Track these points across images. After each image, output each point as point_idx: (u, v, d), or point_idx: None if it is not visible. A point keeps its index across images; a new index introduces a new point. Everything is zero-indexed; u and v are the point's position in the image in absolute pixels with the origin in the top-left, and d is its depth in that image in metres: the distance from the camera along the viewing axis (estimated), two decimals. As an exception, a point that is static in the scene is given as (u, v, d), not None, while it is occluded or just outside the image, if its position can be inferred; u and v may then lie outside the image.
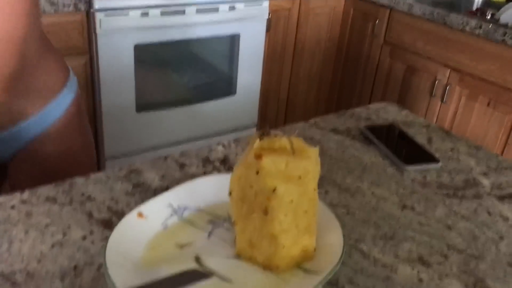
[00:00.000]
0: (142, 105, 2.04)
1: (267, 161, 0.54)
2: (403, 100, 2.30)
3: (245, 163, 0.56)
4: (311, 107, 2.68)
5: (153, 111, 2.08)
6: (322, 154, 0.86)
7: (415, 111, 2.22)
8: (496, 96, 1.92)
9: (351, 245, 0.65)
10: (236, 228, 0.59)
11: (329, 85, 2.68)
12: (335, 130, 0.95)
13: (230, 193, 0.59)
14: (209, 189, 0.69)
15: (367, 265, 0.61)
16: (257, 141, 0.57)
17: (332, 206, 0.72)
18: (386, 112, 1.05)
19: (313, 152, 0.58)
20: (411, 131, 0.97)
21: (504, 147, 1.94)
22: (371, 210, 0.72)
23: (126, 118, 2.01)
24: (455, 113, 2.09)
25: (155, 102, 2.11)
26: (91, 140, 0.97)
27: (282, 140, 0.57)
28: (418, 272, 0.61)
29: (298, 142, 0.57)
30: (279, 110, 2.58)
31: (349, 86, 2.58)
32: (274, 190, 0.54)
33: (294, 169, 0.55)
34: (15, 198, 0.68)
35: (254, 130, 2.41)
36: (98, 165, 2.04)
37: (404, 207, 0.74)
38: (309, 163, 0.56)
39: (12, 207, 0.66)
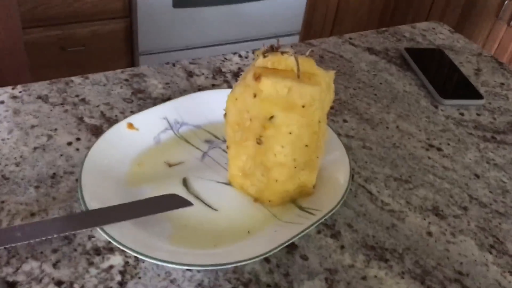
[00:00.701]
0: (180, 0, 1.93)
1: (267, 84, 0.46)
2: (463, 20, 2.08)
3: (243, 83, 0.49)
4: (363, 19, 2.48)
5: (191, 7, 1.97)
6: (350, 76, 0.77)
7: (475, 35, 2.01)
8: None
9: (358, 184, 0.58)
10: (229, 153, 0.53)
11: (384, 1, 2.45)
12: (370, 50, 0.84)
13: (225, 115, 0.52)
14: (212, 105, 0.62)
15: (372, 209, 0.55)
16: (260, 58, 0.49)
17: (346, 137, 0.64)
18: (435, 34, 0.92)
19: (325, 77, 0.49)
20: (458, 59, 0.85)
21: None
22: (391, 147, 0.64)
23: (162, 13, 1.91)
24: (520, 40, 1.87)
25: (194, -2, 1.99)
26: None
27: (289, 60, 0.48)
28: (429, 223, 0.54)
29: (309, 64, 0.49)
30: (326, 19, 2.40)
31: (404, 2, 2.35)
32: (271, 118, 0.47)
33: (297, 96, 0.47)
34: (6, 92, 0.63)
35: (297, 38, 2.27)
36: (133, 61, 1.99)
37: (430, 146, 0.65)
38: (317, 91, 0.47)
39: (1, 102, 0.62)
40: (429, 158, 0.63)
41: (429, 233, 0.53)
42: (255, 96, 0.47)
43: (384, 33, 0.90)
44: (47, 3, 1.69)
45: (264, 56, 0.48)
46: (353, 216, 0.54)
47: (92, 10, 1.79)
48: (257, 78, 0.47)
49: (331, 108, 0.69)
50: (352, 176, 0.58)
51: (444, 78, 0.78)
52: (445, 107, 0.73)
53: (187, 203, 0.49)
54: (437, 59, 0.83)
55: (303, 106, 0.47)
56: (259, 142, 0.48)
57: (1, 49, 0.82)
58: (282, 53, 0.48)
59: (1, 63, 0.83)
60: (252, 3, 2.08)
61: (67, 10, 1.74)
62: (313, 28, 2.38)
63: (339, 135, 0.64)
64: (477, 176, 0.61)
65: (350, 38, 0.87)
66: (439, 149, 0.65)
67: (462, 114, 0.72)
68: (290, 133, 0.48)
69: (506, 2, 1.87)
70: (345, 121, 0.67)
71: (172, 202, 0.49)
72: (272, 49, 0.50)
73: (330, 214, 0.50)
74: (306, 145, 0.49)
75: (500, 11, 1.90)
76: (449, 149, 0.65)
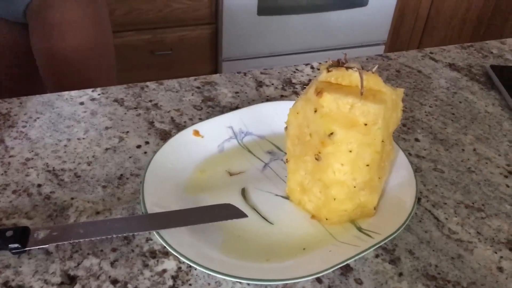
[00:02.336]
0: (265, 8, 1.95)
1: (328, 99, 0.45)
2: None
3: (305, 97, 0.48)
4: (455, 30, 2.36)
5: (276, 15, 1.99)
6: (427, 93, 0.73)
7: None
8: None
9: (425, 208, 0.55)
10: (288, 166, 0.53)
11: (481, 6, 2.31)
12: (452, 66, 0.80)
13: (286, 128, 0.51)
14: (278, 116, 0.62)
15: (437, 236, 0.51)
16: (324, 72, 0.48)
17: (417, 157, 0.61)
18: (527, 50, 0.85)
19: (392, 94, 0.47)
20: (552, 79, 0.77)
21: None
22: (465, 171, 0.60)
23: (247, 20, 1.95)
24: None
25: (278, 6, 2.00)
26: (108, 33, 0.92)
27: (353, 76, 0.46)
28: (500, 258, 0.50)
29: (374, 81, 0.47)
30: (415, 29, 2.31)
31: (507, 10, 2.20)
32: (330, 134, 0.46)
33: (359, 113, 0.45)
34: (86, 94, 0.67)
35: (382, 48, 2.21)
36: (216, 66, 2.05)
37: (509, 173, 0.60)
38: (381, 109, 0.45)
39: (81, 103, 0.66)
40: (507, 186, 0.58)
41: (500, 269, 0.49)
42: (316, 111, 0.46)
43: (469, 48, 0.84)
44: (140, 8, 1.78)
45: (328, 71, 0.47)
46: (416, 243, 0.51)
47: (181, 16, 1.86)
48: (318, 93, 0.46)
49: (404, 125, 0.66)
50: (418, 200, 0.55)
51: (534, 99, 0.72)
52: (532, 131, 0.67)
53: (242, 215, 0.49)
54: (527, 78, 0.77)
55: (365, 124, 0.45)
56: (317, 158, 0.47)
57: (92, 51, 0.88)
58: (347, 68, 0.47)
59: (91, 64, 0.89)
60: (338, 11, 2.05)
61: (158, 16, 1.82)
62: (400, 38, 2.30)
63: (409, 154, 0.61)
64: None
65: (431, 53, 0.83)
66: (520, 177, 0.60)
67: (551, 139, 0.66)
68: (350, 151, 0.46)
69: None
70: (417, 140, 0.64)
71: (228, 212, 0.49)
72: (338, 64, 0.49)
73: (390, 238, 0.47)
74: (367, 165, 0.47)
75: None
76: (532, 178, 0.60)
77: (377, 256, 0.49)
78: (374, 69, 0.48)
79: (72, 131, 0.61)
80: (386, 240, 0.47)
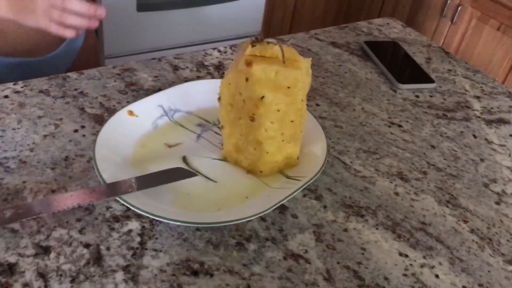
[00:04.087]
0: (143, 4, 1.98)
1: (257, 69, 0.55)
2: (412, 18, 2.23)
3: (235, 69, 0.57)
4: (318, 18, 2.61)
5: (155, 11, 2.02)
6: (318, 67, 0.86)
7: (423, 31, 2.16)
8: (508, 20, 1.86)
9: (334, 156, 0.67)
10: (223, 132, 0.61)
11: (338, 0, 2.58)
12: (334, 44, 0.94)
13: (219, 98, 0.59)
14: (200, 94, 0.70)
15: (347, 176, 0.64)
16: (249, 47, 0.57)
17: (320, 118, 0.73)
18: (389, 28, 1.02)
19: (305, 62, 0.58)
20: (411, 50, 0.95)
21: (508, 73, 1.91)
22: (358, 125, 0.73)
23: (127, 17, 1.96)
24: (463, 35, 2.03)
25: (157, 2, 2.04)
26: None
27: (274, 49, 0.56)
28: (395, 186, 0.64)
29: (291, 52, 0.57)
30: (284, 19, 2.51)
31: (357, 1, 2.49)
32: (262, 98, 0.55)
33: (283, 78, 0.55)
34: (8, 88, 0.68)
35: (257, 38, 2.36)
36: (99, 64, 2.02)
37: (391, 124, 0.75)
38: (299, 74, 0.56)
39: (5, 96, 0.67)
40: (391, 133, 0.73)
41: (396, 193, 0.62)
42: (247, 79, 0.55)
43: (345, 29, 1.00)
44: None
45: (253, 46, 0.56)
46: (331, 182, 0.62)
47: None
48: (248, 64, 0.55)
49: (305, 94, 0.78)
50: (328, 150, 0.67)
51: (400, 66, 0.88)
52: (402, 91, 0.83)
53: (192, 174, 0.56)
54: (393, 50, 0.93)
55: (289, 87, 0.56)
56: (252, 119, 0.56)
57: None
58: (268, 43, 0.57)
59: None
60: (214, 6, 2.15)
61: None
62: (272, 28, 2.48)
63: (314, 117, 0.73)
64: (433, 147, 0.72)
65: (316, 34, 0.96)
66: (399, 126, 0.75)
67: (417, 96, 0.82)
68: (278, 110, 0.56)
69: (449, 1, 2.03)
70: (317, 105, 0.76)
71: (179, 173, 0.56)
72: (257, 40, 0.58)
73: (313, 179, 0.58)
74: (292, 121, 0.57)
75: (444, 10, 2.06)
76: (408, 126, 0.75)
77: (304, 195, 0.60)
78: (289, 42, 0.58)
79: (4, 123, 0.63)
80: (310, 182, 0.58)
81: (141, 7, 1.97)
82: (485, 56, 1.99)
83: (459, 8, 2.02)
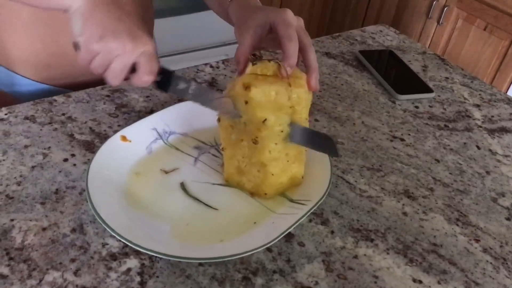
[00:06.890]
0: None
1: (256, 92, 0.52)
2: (398, 21, 2.22)
3: (233, 92, 0.54)
4: (304, 21, 2.59)
5: (139, 21, 1.98)
6: (313, 79, 0.83)
7: (409, 33, 2.15)
8: (494, 20, 1.86)
9: (338, 175, 0.64)
10: (224, 154, 0.58)
11: (322, 2, 2.57)
12: (328, 54, 0.91)
13: (218, 119, 0.56)
14: (195, 114, 0.67)
15: (352, 196, 0.61)
16: (250, 66, 0.54)
17: (321, 135, 0.71)
18: (383, 36, 1.00)
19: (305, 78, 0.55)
20: (406, 57, 0.93)
21: (496, 73, 1.91)
22: (360, 140, 0.71)
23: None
24: (450, 36, 2.03)
25: (141, 12, 2.00)
26: None
27: (275, 67, 0.53)
28: (403, 205, 0.61)
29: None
30: (270, 25, 2.49)
31: (343, 3, 2.48)
32: (264, 121, 0.52)
33: (285, 98, 0.52)
34: (-8, 115, 0.65)
35: (243, 45, 2.33)
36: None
37: (393, 137, 0.72)
38: (303, 92, 0.53)
39: (-11, 125, 0.63)
40: (394, 148, 0.70)
41: (405, 213, 0.60)
42: (246, 102, 0.52)
43: (338, 38, 0.97)
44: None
45: (253, 64, 0.54)
46: (337, 204, 0.60)
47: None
48: (246, 88, 0.52)
49: (302, 109, 0.75)
50: (332, 171, 0.64)
51: (397, 76, 0.86)
52: (401, 102, 0.81)
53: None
54: (388, 59, 0.91)
55: (292, 107, 0.53)
56: (255, 142, 0.53)
57: None
58: (269, 60, 0.54)
59: None
60: (200, 13, 2.12)
61: None
62: (258, 34, 2.45)
63: (313, 133, 0.70)
64: (437, 161, 0.69)
65: (309, 44, 0.93)
66: (401, 139, 0.72)
67: (417, 107, 0.80)
68: (282, 131, 0.53)
69: (434, 2, 2.03)
70: (316, 120, 0.74)
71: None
72: (256, 58, 0.55)
73: (319, 203, 0.55)
74: (295, 142, 0.55)
75: (430, 11, 2.06)
76: (410, 139, 0.73)
77: (310, 221, 0.57)
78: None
79: (-12, 154, 0.59)
80: (316, 206, 0.55)
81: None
82: (472, 56, 1.99)
83: (445, 9, 2.01)
